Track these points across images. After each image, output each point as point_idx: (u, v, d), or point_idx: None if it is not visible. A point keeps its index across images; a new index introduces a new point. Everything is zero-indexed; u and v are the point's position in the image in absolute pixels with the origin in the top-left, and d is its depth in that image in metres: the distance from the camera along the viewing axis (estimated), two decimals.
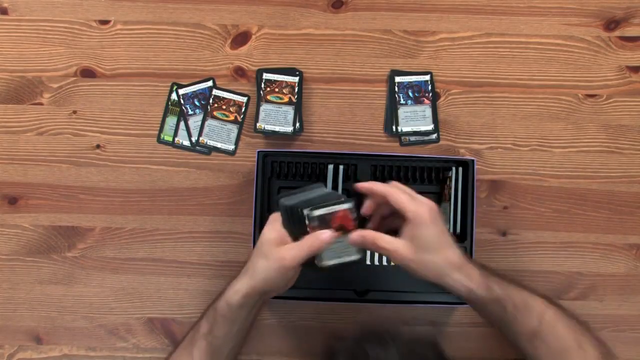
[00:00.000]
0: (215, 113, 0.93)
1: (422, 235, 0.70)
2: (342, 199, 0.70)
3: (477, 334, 0.93)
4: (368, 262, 0.88)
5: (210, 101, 0.93)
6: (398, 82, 0.93)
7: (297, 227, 0.70)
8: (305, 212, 0.68)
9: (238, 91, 0.94)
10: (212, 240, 0.93)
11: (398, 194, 0.72)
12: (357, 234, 0.71)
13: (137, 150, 0.93)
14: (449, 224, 0.86)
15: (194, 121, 0.93)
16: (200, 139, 0.93)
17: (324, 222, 0.69)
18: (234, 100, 0.93)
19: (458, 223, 0.86)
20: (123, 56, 0.94)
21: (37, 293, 0.93)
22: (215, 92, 0.93)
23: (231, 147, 0.93)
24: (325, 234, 0.70)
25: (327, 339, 0.76)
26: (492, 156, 0.93)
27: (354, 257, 0.71)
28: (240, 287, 0.75)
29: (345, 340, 0.70)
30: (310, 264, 0.71)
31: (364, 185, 0.75)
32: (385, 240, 0.71)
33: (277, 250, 0.72)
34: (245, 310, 0.76)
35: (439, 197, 0.88)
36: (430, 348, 0.69)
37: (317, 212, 0.69)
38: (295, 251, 0.70)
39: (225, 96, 0.93)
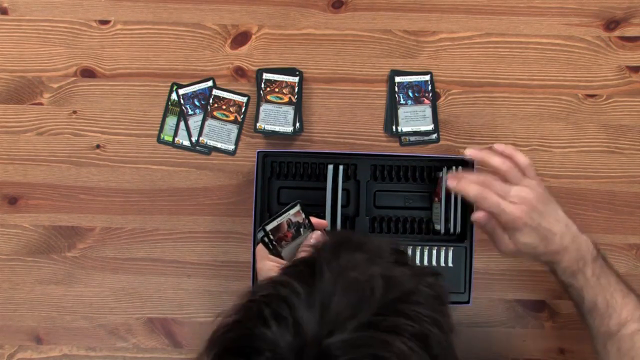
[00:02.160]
0: (215, 113, 0.93)
1: (519, 242, 0.73)
2: (287, 209, 0.73)
3: (477, 334, 0.92)
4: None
5: (210, 101, 0.93)
6: (398, 82, 0.93)
7: (270, 251, 0.74)
8: (258, 235, 0.73)
9: (238, 91, 0.94)
10: (212, 240, 0.93)
11: (489, 197, 0.72)
12: (479, 215, 0.74)
13: (137, 150, 0.93)
14: (440, 224, 0.86)
15: (194, 121, 0.93)
16: (200, 139, 0.93)
17: (275, 234, 0.73)
18: (234, 100, 0.93)
19: (458, 223, 0.86)
20: (123, 56, 0.94)
21: (37, 293, 0.93)
22: (215, 92, 0.93)
23: (231, 147, 0.93)
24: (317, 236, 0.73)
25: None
26: None
27: None
28: None
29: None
30: None
31: (476, 155, 0.75)
32: (498, 234, 0.74)
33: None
34: None
35: (431, 198, 0.89)
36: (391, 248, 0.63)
37: (260, 234, 0.73)
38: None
39: (225, 96, 0.93)
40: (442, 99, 0.94)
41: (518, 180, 0.74)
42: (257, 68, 0.94)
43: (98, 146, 0.94)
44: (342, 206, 0.86)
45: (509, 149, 0.76)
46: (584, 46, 0.94)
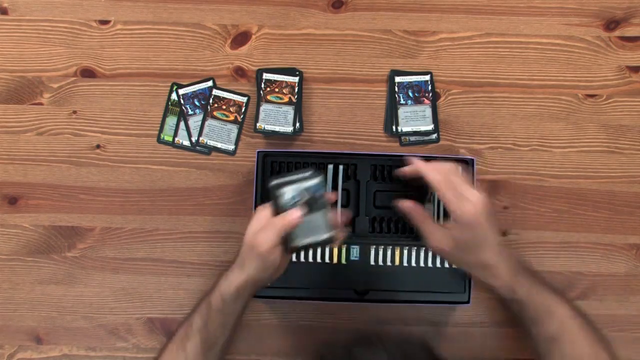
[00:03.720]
0: (215, 113, 0.93)
1: (462, 238, 0.75)
2: (308, 175, 0.73)
3: (477, 334, 0.92)
4: (372, 263, 0.88)
5: (210, 101, 0.93)
6: (398, 82, 0.93)
7: (275, 207, 0.74)
8: (269, 185, 0.72)
9: (238, 91, 0.94)
10: (212, 240, 0.93)
11: (445, 190, 0.74)
12: (408, 204, 0.78)
13: (137, 150, 0.93)
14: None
15: (194, 121, 0.93)
16: (200, 139, 0.93)
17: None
18: (234, 100, 0.93)
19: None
20: (123, 56, 0.94)
21: (37, 293, 0.93)
22: (215, 92, 0.93)
23: (231, 147, 0.93)
24: (293, 214, 0.73)
25: (317, 346, 0.77)
26: (492, 156, 0.93)
27: (325, 235, 0.74)
28: (233, 280, 0.77)
29: (334, 347, 0.71)
30: (289, 247, 0.74)
31: (407, 171, 0.79)
32: (430, 227, 0.77)
33: (255, 238, 0.74)
34: (239, 302, 0.78)
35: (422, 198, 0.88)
36: (420, 349, 0.70)
37: (274, 182, 0.73)
38: (266, 234, 0.73)
39: (225, 96, 0.93)
40: (442, 99, 0.94)
41: (464, 184, 0.76)
42: (257, 68, 0.94)
43: (98, 146, 0.94)
44: (342, 206, 0.86)
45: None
46: (584, 46, 0.94)
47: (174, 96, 0.93)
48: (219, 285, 0.78)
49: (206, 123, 0.93)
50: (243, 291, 0.77)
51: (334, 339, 0.90)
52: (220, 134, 0.93)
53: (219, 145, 0.93)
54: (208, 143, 0.93)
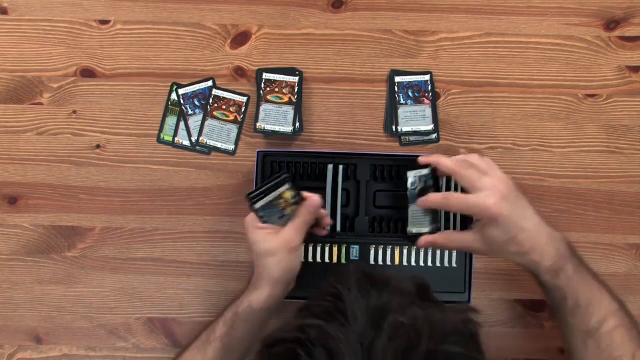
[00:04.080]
0: (215, 113, 0.93)
1: (489, 230, 0.72)
2: (279, 181, 0.76)
3: None
4: (372, 262, 0.88)
5: (210, 101, 0.93)
6: (398, 82, 0.93)
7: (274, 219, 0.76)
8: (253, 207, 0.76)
9: (238, 91, 0.94)
10: (212, 240, 0.93)
11: (463, 176, 0.73)
12: (425, 241, 0.76)
13: (137, 150, 0.93)
14: (438, 220, 0.84)
15: (194, 121, 0.93)
16: (200, 139, 0.93)
17: (270, 207, 0.76)
18: (234, 100, 0.93)
19: (458, 222, 0.86)
20: (123, 56, 0.94)
21: (37, 293, 0.93)
22: (215, 92, 0.93)
23: (231, 147, 0.93)
24: (314, 201, 0.75)
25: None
26: (492, 156, 0.93)
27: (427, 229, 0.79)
28: (263, 290, 0.75)
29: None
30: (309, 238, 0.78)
31: (428, 160, 0.77)
32: (456, 239, 0.76)
33: (278, 240, 0.74)
34: (269, 312, 0.77)
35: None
36: (415, 284, 0.60)
37: (258, 205, 0.76)
38: (294, 230, 0.74)
39: (225, 96, 0.93)
40: (442, 99, 0.94)
41: (489, 171, 0.74)
42: (257, 68, 0.94)
43: (98, 146, 0.94)
44: (342, 206, 0.86)
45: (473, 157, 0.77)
46: (584, 46, 0.94)
47: (174, 96, 0.93)
48: (248, 295, 0.77)
49: (206, 123, 0.93)
50: (274, 300, 0.76)
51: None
52: (220, 134, 0.93)
53: (219, 145, 0.93)
54: (208, 143, 0.93)
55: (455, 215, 0.86)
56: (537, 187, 0.93)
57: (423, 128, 0.93)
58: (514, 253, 0.73)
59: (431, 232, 0.78)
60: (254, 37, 0.95)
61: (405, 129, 0.92)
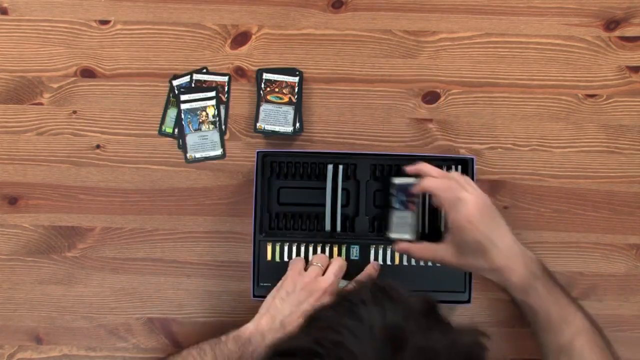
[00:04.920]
0: (269, 97, 0.92)
1: (461, 243, 0.75)
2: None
3: None
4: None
5: (262, 85, 0.92)
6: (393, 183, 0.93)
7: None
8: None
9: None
10: (212, 240, 0.93)
11: (440, 195, 0.75)
12: (401, 246, 0.80)
13: (137, 150, 0.93)
14: (418, 229, 0.85)
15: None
16: (258, 124, 0.92)
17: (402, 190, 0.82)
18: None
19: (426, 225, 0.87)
20: (123, 56, 0.94)
21: (37, 293, 0.93)
22: (265, 75, 0.92)
23: (289, 128, 0.92)
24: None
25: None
26: (492, 156, 0.93)
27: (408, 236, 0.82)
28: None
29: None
30: None
31: (413, 168, 0.80)
32: (429, 250, 0.78)
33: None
34: None
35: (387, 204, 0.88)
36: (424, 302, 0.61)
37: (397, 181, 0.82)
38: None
39: (276, 79, 0.92)
40: (442, 99, 0.94)
41: (466, 186, 0.76)
42: (257, 68, 0.94)
43: (98, 146, 0.94)
44: (342, 206, 0.86)
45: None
46: (584, 46, 0.94)
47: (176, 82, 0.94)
48: (255, 347, 0.76)
49: (261, 108, 0.93)
50: None
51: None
52: (277, 117, 0.92)
53: (277, 128, 0.93)
54: (266, 128, 0.93)
55: (434, 227, 0.87)
56: (537, 187, 0.93)
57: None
58: (485, 269, 0.76)
59: (410, 240, 0.81)
60: (254, 37, 0.95)
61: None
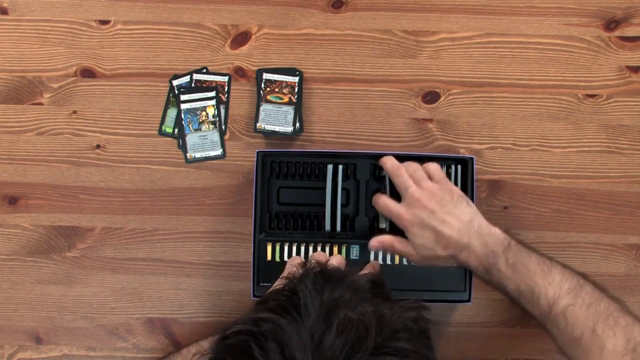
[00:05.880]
0: (269, 97, 0.92)
1: (412, 239, 0.77)
2: None
3: (477, 334, 0.92)
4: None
5: (262, 86, 0.93)
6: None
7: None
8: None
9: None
10: (212, 240, 0.93)
11: (379, 201, 0.80)
12: (375, 241, 0.80)
13: (137, 150, 0.93)
14: (386, 223, 0.86)
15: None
16: (258, 124, 0.92)
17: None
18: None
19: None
20: (123, 56, 0.94)
21: (37, 293, 0.93)
22: (265, 75, 0.92)
23: (289, 129, 0.92)
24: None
25: None
26: (492, 156, 0.93)
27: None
28: None
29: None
30: None
31: (381, 160, 0.82)
32: (399, 244, 0.79)
33: None
34: None
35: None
36: (370, 281, 0.61)
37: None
38: None
39: (276, 78, 0.92)
40: (442, 99, 0.94)
41: (418, 180, 0.78)
42: (257, 68, 0.94)
43: (98, 146, 0.94)
44: (342, 206, 0.86)
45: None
46: (584, 46, 0.94)
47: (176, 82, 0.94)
48: None
49: (261, 108, 0.93)
50: None
51: None
52: (277, 117, 0.92)
53: (277, 129, 0.93)
54: (266, 128, 0.93)
55: None
56: (537, 187, 0.93)
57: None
58: (443, 258, 0.77)
59: (384, 229, 0.85)
60: (254, 37, 0.95)
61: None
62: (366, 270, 0.82)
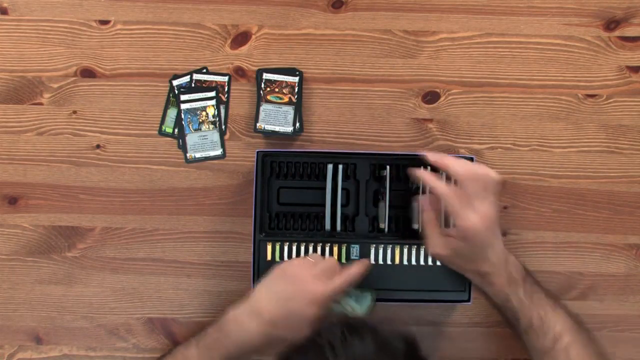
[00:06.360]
0: (269, 97, 0.92)
1: (461, 249, 0.75)
2: None
3: (477, 334, 0.93)
4: (372, 262, 0.87)
5: (262, 86, 0.93)
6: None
7: None
8: None
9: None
10: (212, 240, 0.93)
11: (452, 199, 0.74)
12: (425, 202, 0.79)
13: (137, 150, 0.93)
14: (385, 223, 0.85)
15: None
16: (258, 124, 0.92)
17: None
18: (286, 82, 0.92)
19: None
20: (123, 56, 0.94)
21: (37, 293, 0.93)
22: (265, 75, 0.92)
23: (289, 129, 0.92)
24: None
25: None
26: (492, 156, 0.93)
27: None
28: (252, 330, 0.75)
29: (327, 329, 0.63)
30: None
31: (436, 161, 0.77)
32: (432, 230, 0.78)
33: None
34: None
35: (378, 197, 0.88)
36: (404, 341, 0.63)
37: None
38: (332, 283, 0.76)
39: (276, 78, 0.92)
40: (442, 99, 0.94)
41: (479, 193, 0.74)
42: (257, 68, 0.94)
43: (98, 146, 0.94)
44: (342, 205, 0.86)
45: (482, 168, 0.76)
46: (584, 46, 0.94)
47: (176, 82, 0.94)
48: (228, 333, 0.75)
49: (261, 108, 0.93)
50: (260, 348, 0.74)
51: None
52: (277, 118, 0.92)
53: (277, 129, 0.93)
54: (266, 128, 0.93)
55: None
56: (537, 187, 0.93)
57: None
58: (472, 271, 0.77)
59: (417, 230, 0.83)
60: (254, 37, 0.95)
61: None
62: (356, 266, 0.79)
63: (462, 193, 0.73)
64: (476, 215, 0.73)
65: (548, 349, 0.74)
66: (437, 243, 0.77)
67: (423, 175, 0.77)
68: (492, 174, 0.74)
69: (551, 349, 0.74)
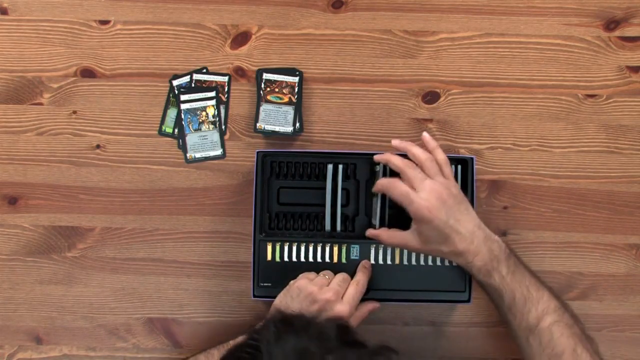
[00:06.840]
0: (269, 97, 0.93)
1: (424, 231, 0.77)
2: None
3: (477, 334, 0.92)
4: (372, 262, 0.87)
5: (262, 86, 0.93)
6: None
7: None
8: None
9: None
10: (212, 240, 0.93)
11: (398, 187, 0.77)
12: (371, 232, 0.82)
13: (137, 150, 0.93)
14: (376, 220, 0.85)
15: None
16: (258, 125, 0.92)
17: None
18: (286, 82, 0.92)
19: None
20: (123, 56, 0.94)
21: (37, 293, 0.93)
22: (265, 75, 0.92)
23: (289, 129, 0.92)
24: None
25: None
26: (492, 156, 0.93)
27: None
28: None
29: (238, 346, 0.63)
30: None
31: (380, 158, 0.82)
32: (396, 236, 0.80)
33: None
34: None
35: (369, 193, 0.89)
36: (336, 327, 0.62)
37: None
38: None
39: (276, 78, 0.92)
40: (442, 99, 0.94)
41: (433, 175, 0.78)
42: (257, 68, 0.94)
43: (98, 146, 0.94)
44: (342, 206, 0.86)
45: (431, 144, 0.81)
46: (584, 46, 0.94)
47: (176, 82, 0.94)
48: None
49: (261, 108, 0.93)
50: None
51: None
52: (277, 118, 0.92)
53: (277, 129, 0.93)
54: (266, 128, 0.93)
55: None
56: (537, 187, 0.93)
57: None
58: (448, 253, 0.78)
59: (375, 226, 0.85)
60: (254, 37, 0.95)
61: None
62: (359, 271, 0.83)
63: (416, 169, 0.78)
64: (424, 192, 0.75)
65: (532, 327, 0.75)
66: (406, 240, 0.79)
67: (383, 156, 0.81)
68: (442, 155, 0.80)
69: (535, 327, 0.74)
